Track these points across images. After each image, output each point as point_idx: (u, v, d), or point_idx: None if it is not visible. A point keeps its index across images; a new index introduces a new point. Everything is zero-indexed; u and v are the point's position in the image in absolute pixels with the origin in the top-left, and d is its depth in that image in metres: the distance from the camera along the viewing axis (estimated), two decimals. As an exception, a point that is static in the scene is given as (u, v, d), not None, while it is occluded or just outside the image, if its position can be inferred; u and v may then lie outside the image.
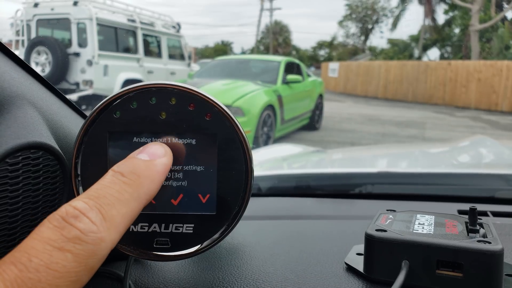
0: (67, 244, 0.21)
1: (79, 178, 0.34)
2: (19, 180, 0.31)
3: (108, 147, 0.33)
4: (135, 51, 8.31)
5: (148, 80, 0.35)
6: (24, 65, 0.38)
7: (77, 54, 7.39)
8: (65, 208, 0.23)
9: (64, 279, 0.21)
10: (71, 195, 0.35)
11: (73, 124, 0.40)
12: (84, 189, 0.34)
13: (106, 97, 0.33)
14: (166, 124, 0.33)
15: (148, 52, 8.67)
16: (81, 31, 7.42)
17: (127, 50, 8.35)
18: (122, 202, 0.25)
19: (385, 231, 0.40)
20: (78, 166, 0.33)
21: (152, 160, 0.29)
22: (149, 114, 0.33)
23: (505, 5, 18.60)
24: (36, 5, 7.67)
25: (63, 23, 7.57)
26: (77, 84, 7.36)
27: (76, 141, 0.33)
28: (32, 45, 7.33)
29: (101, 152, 0.33)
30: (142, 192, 0.26)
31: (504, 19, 17.27)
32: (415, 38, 27.88)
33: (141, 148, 0.30)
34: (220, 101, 0.34)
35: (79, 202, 0.23)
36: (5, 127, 0.31)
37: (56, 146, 0.34)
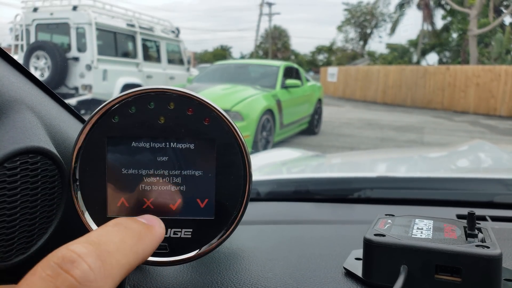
0: None
1: (78, 183, 0.33)
2: (17, 185, 0.31)
3: (106, 152, 0.33)
4: (134, 55, 8.33)
5: (147, 85, 0.35)
6: (22, 70, 0.38)
7: (76, 59, 7.40)
8: (62, 253, 0.21)
9: None
10: (69, 200, 0.35)
11: (72, 128, 0.40)
12: (83, 194, 0.34)
13: (105, 101, 0.33)
14: (164, 128, 0.33)
15: (147, 57, 8.68)
16: (80, 35, 7.44)
17: (126, 54, 8.37)
18: (122, 252, 0.24)
19: (383, 235, 0.40)
20: (76, 171, 0.33)
21: (151, 225, 0.29)
22: (147, 119, 0.33)
23: (503, 10, 18.70)
24: (35, 9, 7.70)
25: (62, 27, 7.59)
26: (76, 88, 7.37)
27: (74, 146, 0.33)
28: (31, 49, 7.34)
29: (99, 157, 0.33)
30: (141, 249, 0.26)
31: (502, 24, 17.35)
32: (413, 43, 28.00)
33: (139, 216, 0.30)
34: (219, 105, 0.34)
35: (78, 246, 0.22)
36: (4, 131, 0.31)
37: (55, 151, 0.34)
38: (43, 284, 0.20)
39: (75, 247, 0.22)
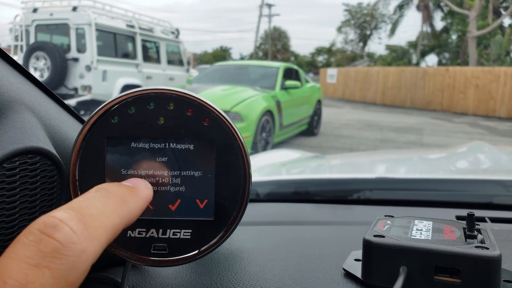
0: (44, 259, 0.20)
1: (77, 184, 0.33)
2: (16, 186, 0.31)
3: (106, 153, 0.33)
4: (134, 56, 8.33)
5: (146, 86, 0.35)
6: (22, 70, 0.38)
7: (76, 60, 7.40)
8: (43, 219, 0.21)
9: None
10: (68, 200, 0.35)
11: (71, 129, 0.40)
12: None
13: (104, 102, 0.33)
14: (164, 129, 0.33)
15: (147, 58, 8.69)
16: (80, 36, 7.44)
17: (126, 55, 8.37)
18: (105, 214, 0.24)
19: (383, 236, 0.40)
20: (76, 171, 0.33)
21: (135, 187, 0.29)
22: (147, 119, 0.33)
23: (503, 12, 18.73)
24: (35, 10, 7.70)
25: (62, 28, 7.59)
26: (75, 89, 7.37)
27: (74, 146, 0.33)
28: (31, 50, 7.34)
29: (99, 157, 0.33)
30: (126, 211, 0.26)
31: (501, 25, 17.38)
32: (413, 44, 28.04)
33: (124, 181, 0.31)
34: (219, 106, 0.34)
35: (59, 212, 0.22)
36: (3, 132, 0.31)
37: (54, 151, 0.34)
38: (27, 249, 0.20)
39: (56, 213, 0.22)
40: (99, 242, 0.22)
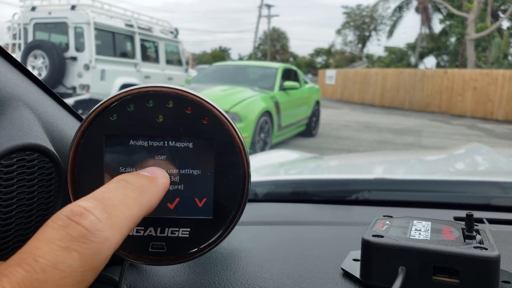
0: (73, 243, 0.21)
1: (75, 181, 0.33)
2: (14, 182, 0.31)
3: (104, 150, 0.33)
4: (132, 56, 8.31)
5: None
6: (20, 67, 0.38)
7: (74, 58, 7.38)
8: (70, 207, 0.23)
9: (70, 279, 0.21)
10: (66, 198, 0.34)
11: (69, 126, 0.40)
12: (80, 192, 0.33)
13: (103, 100, 0.33)
14: (163, 127, 0.33)
15: (145, 57, 8.67)
16: (79, 35, 7.42)
17: (124, 55, 8.36)
18: (126, 204, 0.25)
19: (382, 236, 0.40)
20: (73, 168, 0.33)
21: (154, 177, 0.30)
22: (146, 117, 0.33)
23: (501, 15, 18.79)
24: (33, 8, 7.68)
25: (61, 27, 7.57)
26: (74, 88, 7.35)
27: (72, 144, 0.33)
28: (29, 48, 7.32)
29: (97, 155, 0.33)
30: (145, 200, 0.27)
31: (500, 28, 17.44)
32: (412, 46, 28.09)
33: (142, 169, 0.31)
34: None
35: (84, 202, 0.23)
36: (0, 128, 0.31)
37: (52, 148, 0.34)
38: (56, 233, 0.21)
39: (82, 203, 0.23)
40: (120, 231, 0.24)
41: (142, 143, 0.33)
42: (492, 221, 0.70)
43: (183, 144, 0.34)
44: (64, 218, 0.22)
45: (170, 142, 0.33)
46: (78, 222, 0.22)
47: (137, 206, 0.26)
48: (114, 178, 0.28)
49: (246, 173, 0.34)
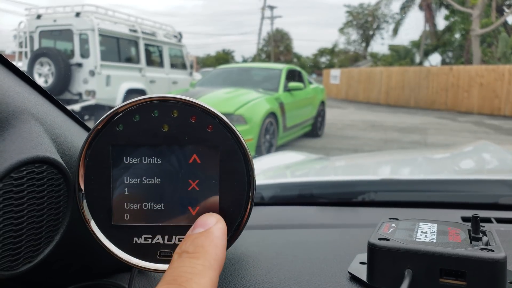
0: None
1: (83, 192, 0.34)
2: (24, 195, 0.32)
3: (111, 161, 0.34)
4: (137, 61, 8.36)
5: (150, 90, 0.36)
6: (27, 79, 0.38)
7: (79, 65, 7.44)
8: None
9: None
10: (74, 208, 0.35)
11: (77, 137, 0.41)
12: (88, 203, 0.34)
13: (109, 107, 0.34)
14: (168, 136, 0.34)
15: (150, 62, 8.71)
16: (84, 42, 7.48)
17: (129, 60, 8.40)
18: (198, 274, 0.26)
19: (387, 240, 0.40)
20: (81, 179, 0.34)
21: (208, 229, 0.30)
22: (151, 127, 0.34)
23: (506, 10, 18.64)
24: (39, 16, 7.76)
25: (66, 34, 7.64)
26: (79, 94, 7.40)
27: (79, 155, 0.33)
28: (35, 56, 7.39)
29: (104, 165, 0.34)
30: (212, 259, 0.27)
31: (505, 23, 17.30)
32: (416, 44, 27.95)
33: (193, 225, 0.31)
34: (222, 109, 0.35)
35: None
36: (10, 142, 0.32)
37: (60, 160, 0.34)
38: None
39: None
40: None
41: (148, 152, 0.34)
42: (500, 220, 0.70)
43: (188, 153, 0.34)
44: None
45: (175, 151, 0.34)
46: None
47: (208, 269, 0.26)
48: (174, 254, 0.28)
49: (250, 180, 0.35)
